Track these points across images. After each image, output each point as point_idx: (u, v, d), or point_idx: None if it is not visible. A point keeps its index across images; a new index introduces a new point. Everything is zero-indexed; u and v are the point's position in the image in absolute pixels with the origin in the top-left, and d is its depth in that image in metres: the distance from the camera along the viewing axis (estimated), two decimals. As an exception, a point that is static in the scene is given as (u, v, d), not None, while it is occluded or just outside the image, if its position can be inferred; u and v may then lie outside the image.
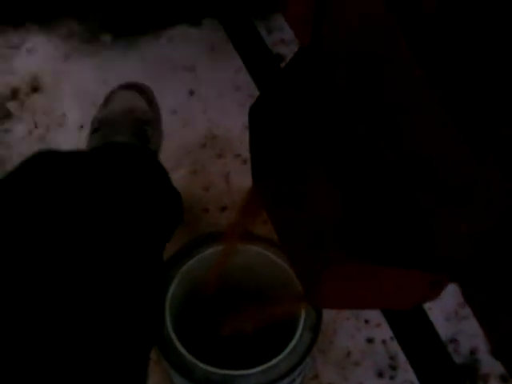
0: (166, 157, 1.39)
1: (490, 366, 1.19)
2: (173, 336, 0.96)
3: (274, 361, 0.94)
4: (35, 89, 1.49)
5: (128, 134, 0.98)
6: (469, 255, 0.54)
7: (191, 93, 1.48)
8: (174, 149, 1.40)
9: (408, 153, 0.52)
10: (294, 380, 1.00)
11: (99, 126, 0.99)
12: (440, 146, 0.48)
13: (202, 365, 0.93)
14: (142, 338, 0.73)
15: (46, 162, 0.77)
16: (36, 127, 1.43)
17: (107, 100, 1.07)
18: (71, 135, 1.42)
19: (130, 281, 0.72)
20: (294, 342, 0.95)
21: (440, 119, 0.46)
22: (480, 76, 0.44)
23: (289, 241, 0.69)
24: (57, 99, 1.48)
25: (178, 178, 1.36)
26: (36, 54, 1.55)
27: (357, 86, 0.56)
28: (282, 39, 1.53)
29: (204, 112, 1.45)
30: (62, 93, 1.49)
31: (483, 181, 0.46)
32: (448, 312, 1.23)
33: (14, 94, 1.48)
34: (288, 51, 1.49)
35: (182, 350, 0.95)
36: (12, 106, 1.46)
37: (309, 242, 0.64)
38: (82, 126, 1.44)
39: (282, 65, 1.49)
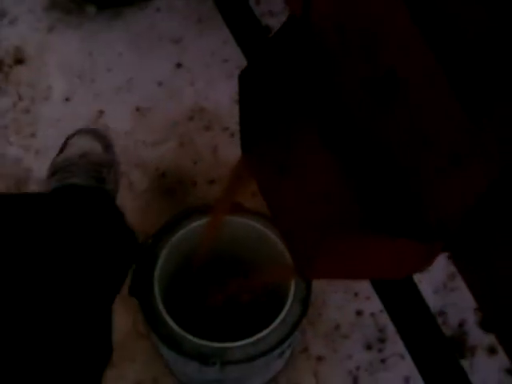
0: (153, 129, 1.37)
1: (478, 338, 1.20)
2: (162, 309, 0.95)
3: (264, 333, 0.93)
4: (19, 61, 1.46)
5: (84, 176, 1.03)
6: (462, 223, 0.54)
7: (178, 65, 1.46)
8: (161, 121, 1.38)
9: (403, 118, 0.51)
10: (283, 352, 0.99)
11: (56, 170, 1.05)
12: (436, 110, 0.47)
13: (191, 337, 0.93)
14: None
15: None
16: (20, 99, 1.41)
17: (64, 146, 1.12)
18: (56, 107, 1.40)
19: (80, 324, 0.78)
20: (283, 314, 0.95)
21: (437, 82, 0.45)
22: (482, 41, 0.43)
23: (280, 212, 0.68)
24: (41, 71, 1.45)
25: (166, 150, 1.35)
26: (19, 26, 1.51)
27: (349, 48, 0.55)
28: (270, 11, 1.51)
29: (191, 84, 1.43)
30: (46, 65, 1.46)
31: (478, 145, 0.45)
32: (436, 284, 1.23)
33: (-2, 65, 1.46)
34: (276, 22, 1.47)
35: (171, 323, 0.94)
36: (-5, 78, 1.44)
37: (302, 213, 0.63)
38: (67, 99, 1.41)
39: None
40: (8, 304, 0.72)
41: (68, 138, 1.11)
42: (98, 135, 1.10)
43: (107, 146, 1.10)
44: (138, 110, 1.40)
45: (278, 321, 0.94)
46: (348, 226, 0.59)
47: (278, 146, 0.67)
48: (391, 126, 0.53)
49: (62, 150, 1.10)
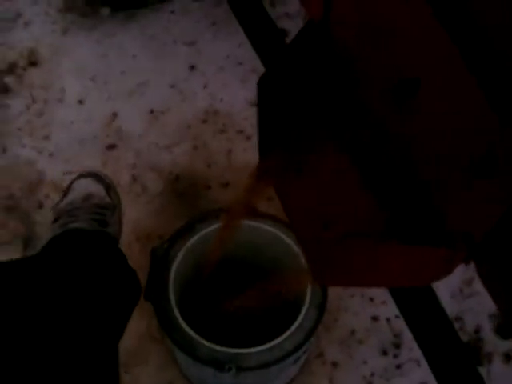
0: (167, 132, 1.37)
1: (494, 344, 1.19)
2: (177, 314, 0.94)
3: (280, 339, 0.92)
4: (33, 63, 1.46)
5: (86, 220, 1.03)
6: (487, 232, 0.52)
7: (192, 67, 1.46)
8: (175, 124, 1.38)
9: (426, 122, 0.50)
10: (298, 358, 0.99)
11: (59, 215, 1.06)
12: (461, 112, 0.46)
13: (206, 343, 0.92)
14: None
15: None
16: (34, 102, 1.41)
17: (67, 190, 1.13)
18: (70, 110, 1.40)
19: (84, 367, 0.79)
20: (299, 320, 0.94)
21: (463, 82, 0.44)
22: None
23: (297, 217, 0.67)
24: (55, 74, 1.45)
25: (179, 153, 1.34)
26: (33, 27, 1.52)
27: (370, 52, 0.54)
28: (286, 13, 1.50)
29: (205, 86, 1.43)
30: (60, 67, 1.46)
31: (507, 149, 0.44)
32: (453, 290, 1.22)
33: (12, 68, 1.45)
34: (292, 25, 1.47)
35: (187, 328, 0.93)
36: (10, 80, 1.44)
37: (319, 218, 0.62)
38: (80, 101, 1.41)
39: (287, 39, 1.46)
40: (13, 352, 0.74)
41: (71, 182, 1.12)
42: (100, 178, 1.11)
43: (109, 188, 1.11)
44: (151, 112, 1.39)
45: (294, 326, 0.93)
46: (367, 233, 0.58)
47: (296, 151, 0.66)
48: (414, 131, 0.52)
49: (65, 194, 1.11)
